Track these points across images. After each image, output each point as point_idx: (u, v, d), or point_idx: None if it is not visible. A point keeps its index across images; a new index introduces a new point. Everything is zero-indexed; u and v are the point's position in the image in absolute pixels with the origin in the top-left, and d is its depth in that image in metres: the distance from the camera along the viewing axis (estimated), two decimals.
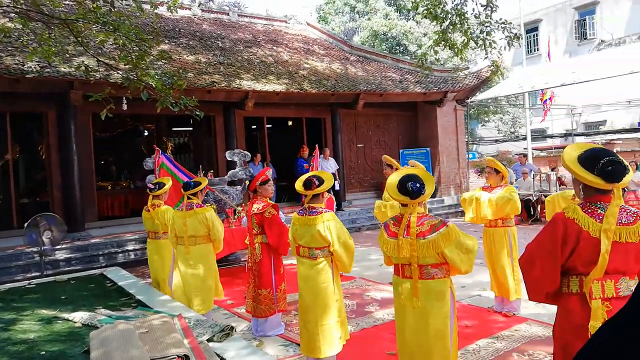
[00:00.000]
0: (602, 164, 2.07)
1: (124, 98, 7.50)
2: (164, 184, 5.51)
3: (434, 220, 2.75)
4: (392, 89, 12.53)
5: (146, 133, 15.26)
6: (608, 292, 2.08)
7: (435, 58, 11.14)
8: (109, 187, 12.56)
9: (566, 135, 23.93)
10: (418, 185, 2.71)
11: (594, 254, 2.07)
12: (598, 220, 2.09)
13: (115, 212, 11.76)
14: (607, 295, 2.08)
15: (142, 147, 14.19)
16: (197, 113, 6.61)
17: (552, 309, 4.54)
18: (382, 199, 6.22)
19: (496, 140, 24.79)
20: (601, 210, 2.11)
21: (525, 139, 18.90)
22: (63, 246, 8.27)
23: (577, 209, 2.15)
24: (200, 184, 5.06)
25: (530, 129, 18.03)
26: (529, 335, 4.18)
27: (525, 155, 14.70)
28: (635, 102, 19.08)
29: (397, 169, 6.16)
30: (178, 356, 2.93)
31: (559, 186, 11.40)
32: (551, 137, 24.53)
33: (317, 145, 9.12)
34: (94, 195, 9.95)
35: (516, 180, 12.54)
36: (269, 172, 4.67)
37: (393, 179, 2.87)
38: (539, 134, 24.75)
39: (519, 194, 8.09)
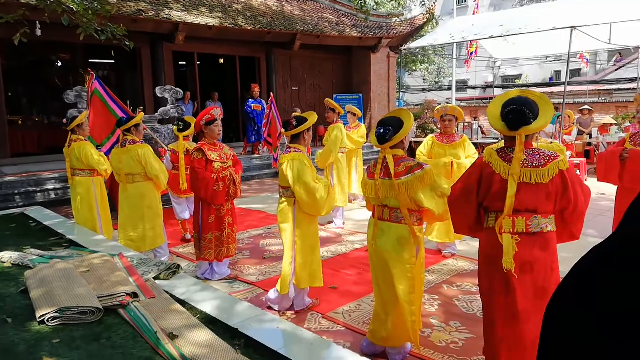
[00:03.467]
0: (506, 111, 2.25)
1: (37, 22, 6.74)
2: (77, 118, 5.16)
3: (411, 162, 2.76)
4: (329, 31, 12.32)
5: (60, 64, 13.91)
6: (518, 227, 2.28)
7: (375, 1, 11.02)
8: (20, 122, 11.48)
9: (486, 87, 25.21)
10: (382, 131, 2.73)
11: (505, 193, 2.27)
12: (509, 164, 2.28)
13: (28, 149, 10.83)
14: (517, 230, 2.29)
15: (56, 79, 12.97)
16: (127, 43, 6.12)
17: (476, 245, 4.98)
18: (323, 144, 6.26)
19: (423, 90, 25.54)
20: (512, 154, 2.29)
21: (449, 89, 19.67)
22: None
23: (494, 153, 2.34)
24: (132, 118, 4.78)
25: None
26: (456, 269, 4.56)
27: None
28: (550, 58, 20.38)
29: (339, 113, 6.22)
30: (126, 294, 2.88)
31: (481, 134, 12.13)
32: (473, 88, 25.71)
33: (271, 93, 8.87)
34: (5, 130, 9.06)
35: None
36: (216, 112, 4.39)
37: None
38: (462, 85, 25.83)
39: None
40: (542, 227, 2.31)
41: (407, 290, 2.76)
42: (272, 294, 3.71)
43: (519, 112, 2.23)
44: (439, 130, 5.05)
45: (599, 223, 5.74)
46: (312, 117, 3.59)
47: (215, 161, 4.25)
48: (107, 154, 6.01)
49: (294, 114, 7.33)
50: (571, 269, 0.89)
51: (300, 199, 3.42)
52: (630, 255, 0.80)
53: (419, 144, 10.08)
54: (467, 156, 4.72)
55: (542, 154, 2.29)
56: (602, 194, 7.56)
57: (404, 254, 2.76)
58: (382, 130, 2.73)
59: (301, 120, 3.54)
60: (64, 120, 5.24)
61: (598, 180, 3.83)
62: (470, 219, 2.49)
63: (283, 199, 3.53)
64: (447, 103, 15.86)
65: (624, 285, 0.77)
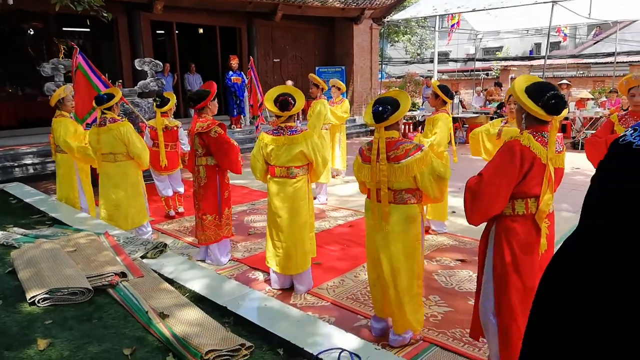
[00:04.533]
0: (547, 97, 2.28)
1: None
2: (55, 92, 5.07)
3: (409, 144, 2.75)
4: (311, 1, 12.11)
5: (32, 32, 13.39)
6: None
7: None
8: None
9: (467, 59, 25.24)
10: (380, 109, 2.69)
11: (541, 178, 2.34)
12: (546, 148, 2.34)
13: (2, 122, 10.54)
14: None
15: (29, 49, 12.51)
16: (104, 14, 5.96)
17: (453, 222, 5.13)
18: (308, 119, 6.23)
19: (405, 62, 25.43)
20: (546, 139, 2.37)
21: (431, 61, 19.61)
22: None
23: (531, 137, 2.35)
24: (113, 96, 4.66)
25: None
26: (435, 244, 4.70)
27: (432, 78, 15.33)
28: (531, 31, 20.46)
29: (323, 88, 6.22)
30: (115, 274, 2.92)
31: (461, 108, 12.24)
32: (455, 60, 25.69)
33: (251, 58, 8.66)
34: None
35: (422, 103, 13.22)
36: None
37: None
38: (443, 57, 25.79)
39: (424, 115, 8.34)
40: (554, 207, 2.49)
41: (415, 267, 2.84)
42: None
43: (560, 97, 2.28)
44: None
45: (572, 197, 5.93)
46: (302, 98, 3.64)
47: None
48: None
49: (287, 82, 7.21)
50: (553, 256, 1.09)
51: (320, 171, 3.72)
52: (589, 243, 0.96)
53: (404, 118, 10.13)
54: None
55: (558, 141, 2.40)
56: (577, 168, 7.78)
57: (411, 233, 2.81)
58: (380, 108, 2.69)
59: (294, 99, 3.57)
60: (49, 97, 5.14)
61: (594, 165, 3.88)
62: (503, 205, 2.34)
63: (299, 178, 3.58)
64: (429, 77, 15.87)
65: (588, 268, 0.93)
